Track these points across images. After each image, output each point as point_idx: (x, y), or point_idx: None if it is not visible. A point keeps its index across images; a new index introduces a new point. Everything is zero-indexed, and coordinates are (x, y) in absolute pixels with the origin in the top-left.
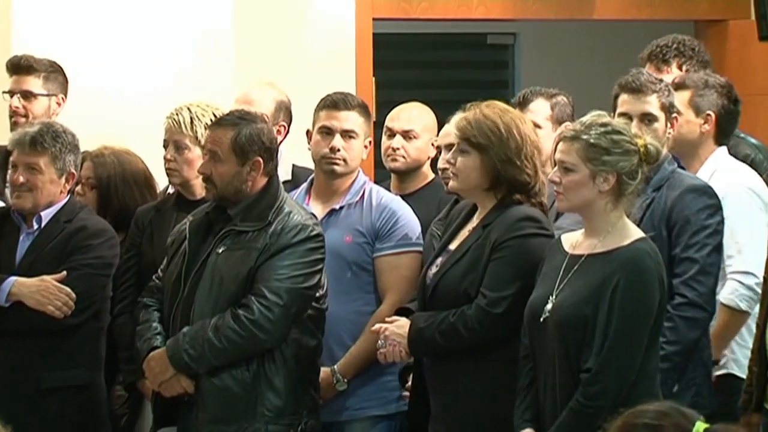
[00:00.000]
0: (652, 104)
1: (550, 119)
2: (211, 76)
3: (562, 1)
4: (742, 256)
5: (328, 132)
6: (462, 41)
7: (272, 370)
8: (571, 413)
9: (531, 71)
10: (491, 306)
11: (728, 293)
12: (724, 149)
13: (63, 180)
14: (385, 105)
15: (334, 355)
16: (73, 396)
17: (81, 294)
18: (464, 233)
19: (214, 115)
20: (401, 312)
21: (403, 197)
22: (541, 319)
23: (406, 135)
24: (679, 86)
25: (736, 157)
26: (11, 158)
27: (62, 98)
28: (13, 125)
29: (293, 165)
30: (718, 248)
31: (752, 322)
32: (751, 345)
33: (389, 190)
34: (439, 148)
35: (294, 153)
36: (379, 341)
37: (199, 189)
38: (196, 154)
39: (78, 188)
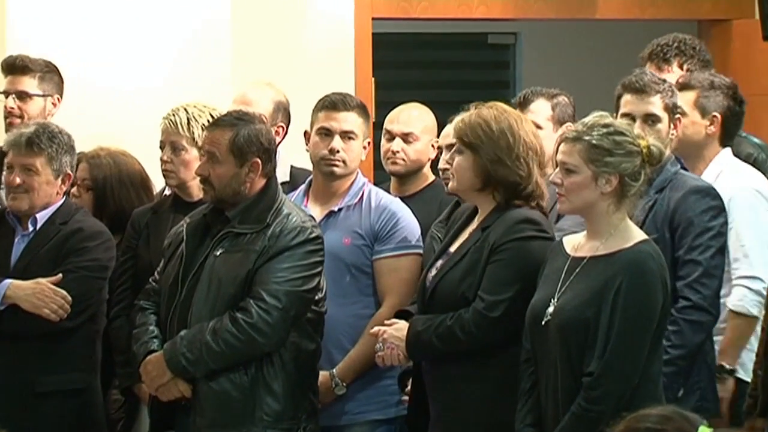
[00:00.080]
0: (656, 105)
1: (551, 120)
2: (208, 76)
3: (564, 0)
4: (748, 260)
5: (327, 133)
6: (462, 41)
7: (271, 374)
8: (573, 417)
9: (532, 71)
10: (488, 309)
11: (737, 300)
12: (728, 150)
13: (59, 181)
14: (385, 105)
15: (332, 359)
16: (69, 400)
17: (77, 297)
18: (464, 236)
19: (212, 116)
20: (401, 315)
21: (404, 199)
22: (543, 323)
23: (406, 138)
24: (683, 86)
25: (738, 156)
26: (7, 159)
27: (58, 99)
28: (8, 126)
29: (291, 166)
30: (722, 250)
31: (758, 327)
32: (756, 349)
33: (389, 192)
34: (440, 149)
35: (292, 154)
36: (378, 344)
37: (196, 190)
38: (193, 156)
39: (74, 190)
